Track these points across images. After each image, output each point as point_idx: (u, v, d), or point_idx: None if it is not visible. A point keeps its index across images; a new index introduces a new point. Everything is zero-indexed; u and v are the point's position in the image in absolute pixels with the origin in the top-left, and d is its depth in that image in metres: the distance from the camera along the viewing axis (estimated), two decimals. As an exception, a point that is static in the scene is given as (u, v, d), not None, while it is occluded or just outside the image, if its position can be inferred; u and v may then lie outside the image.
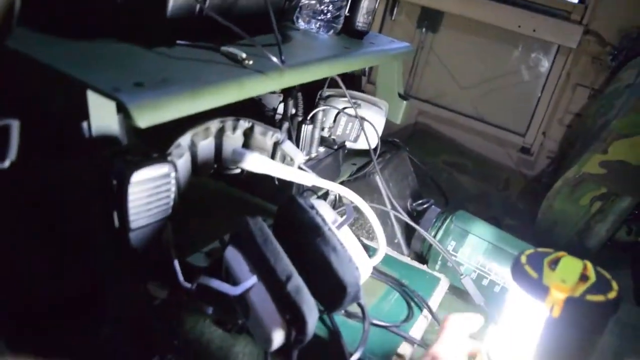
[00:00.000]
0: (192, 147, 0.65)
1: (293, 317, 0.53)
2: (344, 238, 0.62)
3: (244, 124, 0.68)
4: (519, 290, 0.56)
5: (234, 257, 0.58)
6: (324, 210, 0.64)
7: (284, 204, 0.64)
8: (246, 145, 0.70)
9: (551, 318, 0.52)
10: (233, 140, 0.68)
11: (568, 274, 0.53)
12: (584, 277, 0.54)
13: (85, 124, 0.53)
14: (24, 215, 0.58)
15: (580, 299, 0.51)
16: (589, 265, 0.56)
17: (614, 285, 0.54)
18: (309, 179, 0.68)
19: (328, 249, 0.58)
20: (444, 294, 0.87)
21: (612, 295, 0.52)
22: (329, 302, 0.61)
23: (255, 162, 0.65)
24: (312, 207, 0.63)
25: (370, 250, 0.87)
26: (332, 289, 0.58)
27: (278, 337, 0.53)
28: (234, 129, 0.68)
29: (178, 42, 0.65)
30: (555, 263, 0.56)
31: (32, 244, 0.58)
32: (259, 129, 0.69)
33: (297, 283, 0.53)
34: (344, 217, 0.66)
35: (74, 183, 0.57)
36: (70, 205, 0.58)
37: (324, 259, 0.58)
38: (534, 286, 0.53)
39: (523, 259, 0.57)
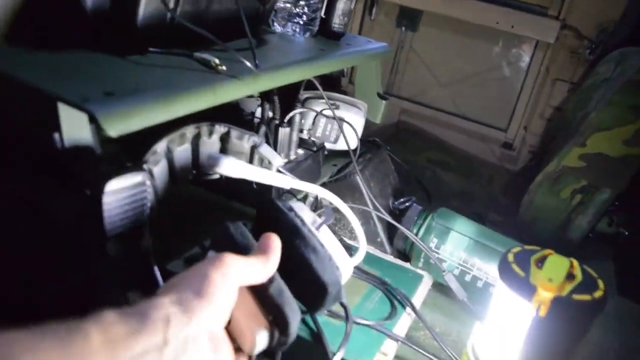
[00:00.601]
0: (169, 154, 0.65)
1: (276, 319, 0.53)
2: (324, 239, 0.62)
3: (220, 128, 0.68)
4: (506, 288, 0.56)
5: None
6: (303, 212, 0.64)
7: (262, 207, 0.64)
8: (223, 149, 0.70)
9: (538, 317, 0.52)
10: (210, 145, 0.68)
11: (555, 273, 0.54)
12: (570, 276, 0.54)
13: (57, 136, 0.53)
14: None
15: (567, 298, 0.52)
16: (575, 263, 0.56)
17: (601, 284, 0.55)
18: (286, 181, 0.68)
19: (308, 250, 0.58)
20: (428, 291, 0.87)
21: (598, 294, 0.53)
22: (311, 302, 0.61)
23: (231, 167, 0.65)
24: (291, 209, 0.63)
25: (352, 250, 0.87)
26: (313, 289, 0.58)
27: (262, 340, 0.53)
28: (210, 133, 0.68)
29: (150, 49, 0.65)
30: (541, 261, 0.56)
31: (8, 261, 0.58)
32: (235, 133, 0.69)
33: (279, 285, 0.53)
34: (323, 218, 0.66)
35: (48, 195, 0.57)
36: (46, 218, 0.58)
37: (304, 260, 0.58)
38: (521, 285, 0.54)
39: (510, 257, 0.58)
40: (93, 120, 0.50)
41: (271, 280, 0.52)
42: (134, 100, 0.52)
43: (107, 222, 0.53)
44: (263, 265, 0.48)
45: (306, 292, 0.59)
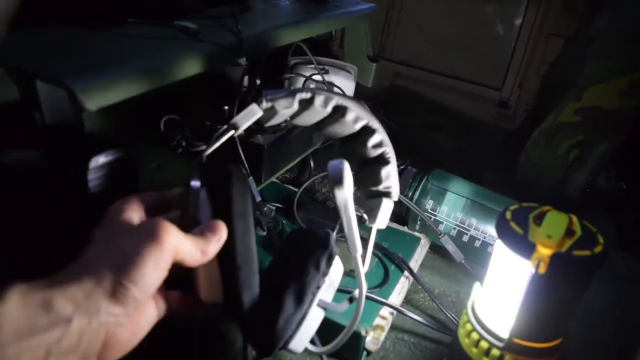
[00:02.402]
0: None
1: (226, 298, 0.46)
2: (314, 308, 0.51)
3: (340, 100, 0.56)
4: (504, 247, 0.55)
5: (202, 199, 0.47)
6: (336, 274, 0.53)
7: (311, 229, 0.55)
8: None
9: (537, 274, 0.51)
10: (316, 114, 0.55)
11: (554, 229, 0.52)
12: (570, 232, 0.53)
13: (37, 114, 0.52)
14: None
15: (566, 254, 0.50)
16: (575, 218, 0.55)
17: (600, 238, 0.54)
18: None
19: (293, 294, 0.49)
20: (425, 253, 0.87)
21: (598, 249, 0.52)
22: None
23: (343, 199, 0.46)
24: (330, 257, 0.52)
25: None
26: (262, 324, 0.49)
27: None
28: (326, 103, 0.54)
29: (129, 20, 0.63)
30: (540, 218, 0.55)
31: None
32: (352, 115, 0.56)
33: (246, 257, 0.46)
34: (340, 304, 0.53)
35: (34, 176, 0.56)
36: (33, 197, 0.57)
37: (283, 294, 0.49)
38: (520, 243, 0.53)
39: (508, 214, 0.56)
40: (71, 95, 0.49)
41: (236, 251, 0.46)
42: (112, 72, 0.51)
43: (93, 197, 0.53)
44: (202, 250, 0.43)
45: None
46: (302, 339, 0.51)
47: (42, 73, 0.49)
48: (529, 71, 1.68)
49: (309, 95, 0.52)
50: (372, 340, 0.67)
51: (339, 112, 0.56)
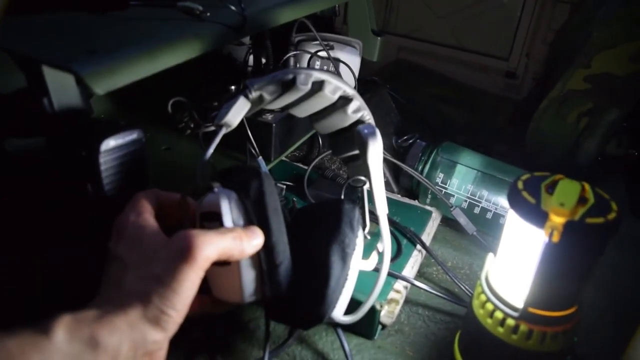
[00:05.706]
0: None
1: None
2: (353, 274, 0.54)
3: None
4: (517, 217, 0.55)
5: (229, 205, 0.48)
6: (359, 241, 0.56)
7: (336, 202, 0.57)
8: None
9: (550, 243, 0.51)
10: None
11: (566, 197, 0.52)
12: (582, 200, 0.53)
13: (45, 100, 0.52)
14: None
15: (579, 222, 0.50)
16: (587, 186, 0.55)
17: (613, 205, 0.53)
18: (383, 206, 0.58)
19: (336, 256, 0.51)
20: (437, 227, 0.87)
21: (611, 216, 0.51)
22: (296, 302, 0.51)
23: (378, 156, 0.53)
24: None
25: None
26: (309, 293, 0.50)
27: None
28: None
29: (131, 2, 0.62)
30: (552, 186, 0.55)
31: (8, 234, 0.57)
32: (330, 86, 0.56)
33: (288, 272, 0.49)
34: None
35: (42, 162, 0.56)
36: (43, 185, 0.57)
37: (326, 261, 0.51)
38: (532, 212, 0.52)
39: (519, 184, 0.56)
40: (79, 79, 0.49)
41: (276, 252, 0.48)
42: (118, 55, 0.51)
43: (105, 182, 0.53)
44: (240, 251, 0.44)
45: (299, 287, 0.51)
46: (343, 303, 0.53)
47: (48, 58, 0.49)
48: (535, 39, 1.65)
49: (290, 76, 0.52)
50: (387, 314, 0.67)
51: (316, 86, 0.55)
